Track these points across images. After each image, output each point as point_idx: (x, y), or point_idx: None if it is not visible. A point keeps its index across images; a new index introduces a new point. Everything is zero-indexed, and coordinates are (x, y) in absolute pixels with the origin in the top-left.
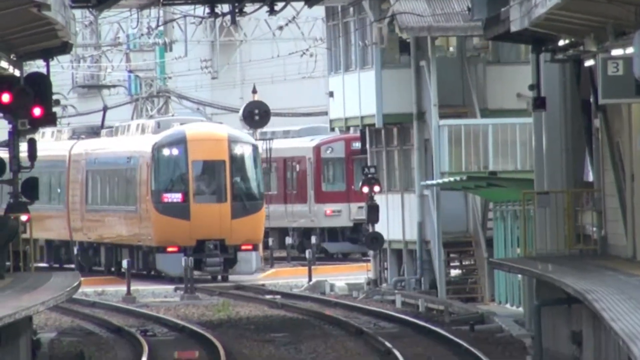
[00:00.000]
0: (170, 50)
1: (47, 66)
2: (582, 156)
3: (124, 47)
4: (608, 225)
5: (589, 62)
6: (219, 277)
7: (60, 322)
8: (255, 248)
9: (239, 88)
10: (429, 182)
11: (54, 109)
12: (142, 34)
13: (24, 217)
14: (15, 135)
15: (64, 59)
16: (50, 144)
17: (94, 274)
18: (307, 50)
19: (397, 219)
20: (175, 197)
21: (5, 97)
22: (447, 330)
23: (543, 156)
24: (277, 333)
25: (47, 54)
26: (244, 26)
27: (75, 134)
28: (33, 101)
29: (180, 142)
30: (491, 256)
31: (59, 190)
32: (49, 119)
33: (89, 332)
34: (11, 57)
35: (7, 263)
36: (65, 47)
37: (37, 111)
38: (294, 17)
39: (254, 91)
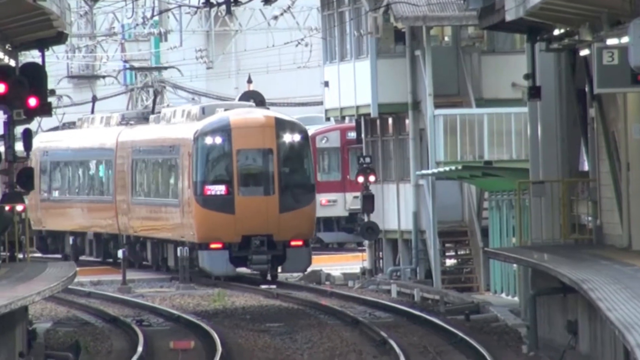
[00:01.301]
0: (166, 40)
1: (43, 56)
2: (577, 146)
3: (119, 37)
4: (603, 214)
5: (584, 52)
6: (268, 276)
7: (56, 312)
8: (305, 244)
9: (234, 78)
10: (424, 171)
11: (50, 99)
12: (137, 24)
13: (19, 207)
14: (10, 126)
15: (59, 49)
16: (99, 130)
17: (140, 269)
18: (302, 40)
19: (393, 208)
20: (219, 189)
21: (1, 87)
22: (443, 319)
23: (538, 146)
24: (273, 323)
25: (43, 44)
26: (239, 16)
27: (125, 120)
28: (28, 91)
29: (224, 129)
30: (486, 246)
31: (107, 181)
32: (45, 109)
33: (85, 322)
34: (6, 47)
35: (3, 253)
36: (60, 37)
37: (32, 101)
38: (289, 7)
39: (249, 81)
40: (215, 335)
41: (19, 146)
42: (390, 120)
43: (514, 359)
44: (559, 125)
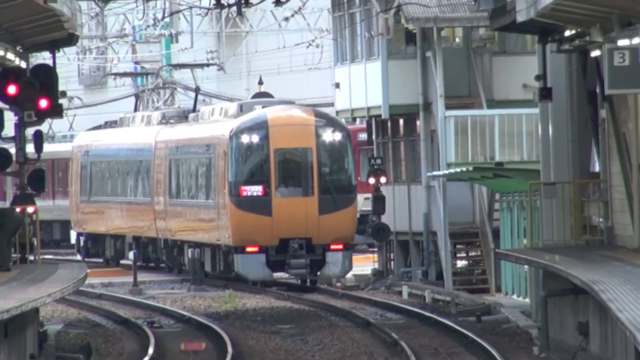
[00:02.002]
0: (176, 41)
1: (54, 58)
2: (588, 147)
3: (130, 39)
4: (614, 215)
5: (595, 53)
6: (308, 281)
7: (67, 314)
8: (346, 247)
9: (245, 79)
10: (435, 173)
11: (60, 101)
12: (148, 26)
13: (30, 209)
14: (21, 127)
15: (70, 50)
16: (139, 129)
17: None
18: (313, 41)
19: (404, 210)
20: (255, 190)
21: (12, 89)
22: (454, 321)
23: (549, 147)
24: (284, 324)
25: (53, 46)
26: (250, 17)
27: (165, 119)
28: (39, 93)
29: (261, 127)
30: (498, 247)
31: (145, 182)
32: (55, 111)
33: (96, 324)
34: (17, 48)
35: (14, 255)
36: (71, 39)
37: (43, 103)
38: (299, 8)
39: (260, 82)
40: (226, 337)
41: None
42: (401, 122)
43: None
44: (570, 126)
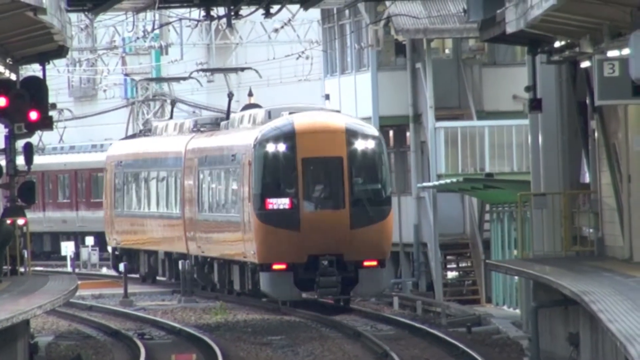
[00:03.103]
0: (166, 53)
1: (44, 70)
2: (578, 158)
3: (119, 51)
4: (605, 226)
5: (585, 64)
6: (342, 302)
7: (58, 326)
8: (381, 264)
9: (235, 91)
10: (425, 184)
11: (51, 113)
12: (137, 37)
13: (21, 221)
14: (11, 139)
15: (60, 62)
16: (171, 138)
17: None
18: (302, 52)
19: (394, 221)
20: (282, 203)
21: (2, 101)
22: (444, 332)
23: (539, 158)
24: (275, 336)
25: (44, 58)
26: (240, 29)
27: (196, 127)
28: (29, 105)
29: (287, 135)
30: (488, 258)
31: (175, 194)
32: (46, 123)
33: (87, 335)
34: (7, 61)
35: (4, 267)
36: (61, 51)
37: (33, 115)
38: (289, 20)
39: (250, 94)
40: (217, 349)
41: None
42: (391, 133)
43: None
44: (560, 137)
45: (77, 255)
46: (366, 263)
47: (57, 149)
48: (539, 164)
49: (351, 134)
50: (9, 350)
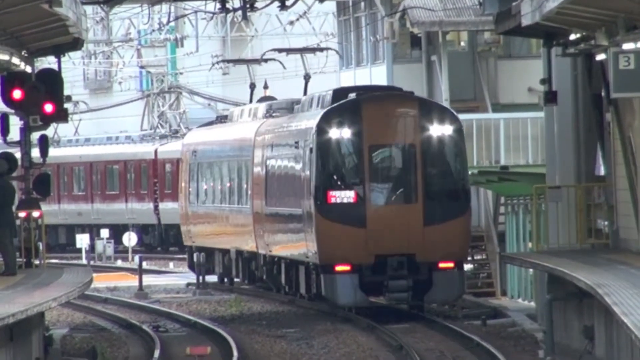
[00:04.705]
0: (182, 45)
1: (59, 62)
2: (593, 150)
3: (135, 43)
4: (620, 219)
5: (600, 56)
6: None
7: (73, 318)
8: (458, 266)
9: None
10: None
11: (66, 105)
12: (153, 30)
13: (36, 214)
14: (26, 132)
15: (75, 55)
16: (243, 125)
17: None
18: (318, 45)
19: None
20: (346, 196)
21: (17, 94)
22: (459, 325)
23: (554, 150)
24: (289, 328)
25: (59, 50)
26: (255, 21)
27: (269, 111)
28: (45, 97)
29: (353, 119)
30: (503, 251)
31: (245, 186)
32: (61, 115)
33: (101, 328)
34: (22, 53)
35: (19, 259)
36: (76, 43)
37: (48, 107)
38: (305, 12)
39: (266, 87)
40: (232, 341)
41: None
42: None
43: None
44: (575, 130)
45: (92, 247)
46: (441, 265)
47: (72, 142)
48: (554, 156)
49: (426, 119)
50: (23, 342)
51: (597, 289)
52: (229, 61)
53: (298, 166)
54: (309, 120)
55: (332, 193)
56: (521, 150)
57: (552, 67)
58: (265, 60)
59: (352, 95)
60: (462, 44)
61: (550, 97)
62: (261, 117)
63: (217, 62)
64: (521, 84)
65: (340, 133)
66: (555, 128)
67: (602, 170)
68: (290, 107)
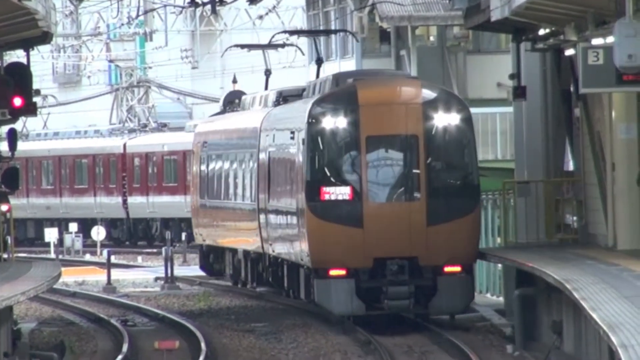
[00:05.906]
0: (151, 40)
1: (28, 56)
2: (562, 145)
3: (104, 37)
4: (588, 214)
5: (569, 52)
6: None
7: (41, 312)
8: (466, 270)
9: (219, 78)
10: None
11: (34, 99)
12: (122, 24)
13: (4, 208)
14: None
15: (44, 48)
16: (252, 113)
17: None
18: (287, 39)
19: None
20: (341, 192)
21: None
22: (427, 319)
23: (523, 145)
24: (258, 323)
25: (27, 44)
26: (224, 16)
27: (278, 99)
28: (13, 91)
29: (348, 107)
30: None
31: (250, 181)
32: (30, 109)
33: (70, 322)
34: None
35: None
36: (45, 37)
37: (17, 101)
38: (274, 7)
39: (235, 81)
40: (200, 335)
41: (3, 146)
42: None
43: (499, 359)
44: (544, 125)
45: (60, 241)
46: (447, 269)
47: (41, 135)
48: (523, 151)
49: (430, 106)
50: None
51: (566, 284)
52: (243, 46)
53: (294, 159)
54: (303, 109)
55: (326, 189)
56: (490, 145)
57: (521, 62)
58: (282, 46)
59: (349, 81)
60: (431, 38)
61: (519, 92)
62: (271, 105)
63: (234, 46)
64: (490, 79)
65: (335, 123)
66: (524, 123)
67: (571, 166)
68: (300, 94)
